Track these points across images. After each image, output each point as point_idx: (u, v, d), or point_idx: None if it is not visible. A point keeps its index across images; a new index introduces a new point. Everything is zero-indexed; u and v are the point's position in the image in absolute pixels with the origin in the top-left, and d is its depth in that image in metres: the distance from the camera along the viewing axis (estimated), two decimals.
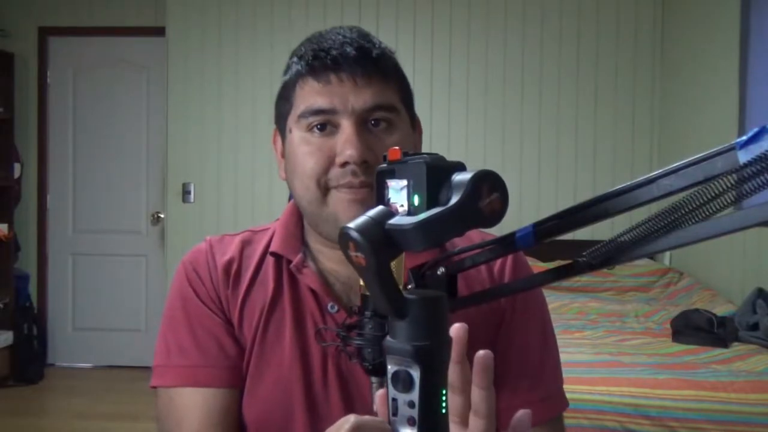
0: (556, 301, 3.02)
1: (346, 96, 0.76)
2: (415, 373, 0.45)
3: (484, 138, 4.05)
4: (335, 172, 0.76)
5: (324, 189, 0.77)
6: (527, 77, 4.03)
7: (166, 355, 0.82)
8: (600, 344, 2.37)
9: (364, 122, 0.77)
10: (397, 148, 0.51)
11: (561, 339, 0.89)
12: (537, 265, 2.92)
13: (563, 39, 4.04)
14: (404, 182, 0.48)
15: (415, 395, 0.45)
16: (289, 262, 0.83)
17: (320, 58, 0.77)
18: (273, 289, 0.83)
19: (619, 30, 4.01)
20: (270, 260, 0.85)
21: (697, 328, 2.40)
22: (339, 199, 0.76)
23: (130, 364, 4.44)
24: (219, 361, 0.81)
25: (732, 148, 0.35)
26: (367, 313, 0.64)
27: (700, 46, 3.47)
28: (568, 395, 0.86)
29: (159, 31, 4.23)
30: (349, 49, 0.77)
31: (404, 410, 0.45)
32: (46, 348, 4.50)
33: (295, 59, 0.81)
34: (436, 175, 0.46)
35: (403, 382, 0.45)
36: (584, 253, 0.45)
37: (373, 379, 0.65)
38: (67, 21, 4.54)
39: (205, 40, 4.14)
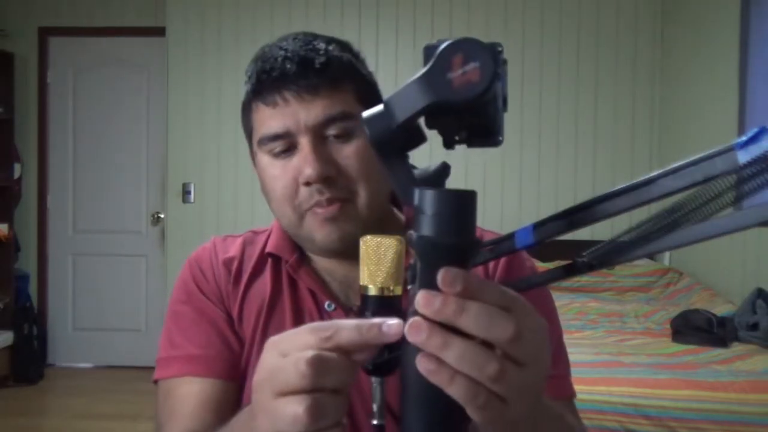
0: (556, 301, 3.00)
1: (296, 114, 0.75)
2: (418, 266, 0.44)
3: None
4: (303, 193, 0.76)
5: (299, 213, 0.77)
6: (527, 77, 4.03)
7: (168, 348, 0.84)
8: (600, 344, 2.37)
9: (321, 136, 0.76)
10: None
11: None
12: (537, 265, 2.92)
13: (563, 39, 4.04)
14: None
15: (416, 288, 0.44)
16: (286, 262, 0.84)
17: (263, 81, 0.77)
18: (271, 288, 0.84)
19: (619, 30, 4.01)
20: (269, 260, 0.86)
21: (696, 328, 2.40)
22: (313, 221, 0.77)
23: (130, 364, 4.44)
24: (219, 353, 0.82)
25: (732, 149, 0.35)
26: (367, 313, 0.63)
27: (700, 47, 3.47)
28: None
29: (159, 31, 4.23)
30: (289, 65, 0.75)
31: (412, 303, 0.44)
32: (46, 348, 4.49)
33: (246, 79, 0.80)
34: (429, 55, 0.44)
35: (412, 273, 0.45)
36: (584, 253, 0.45)
37: (373, 379, 0.64)
38: (67, 21, 4.54)
39: (205, 40, 4.14)
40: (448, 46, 0.41)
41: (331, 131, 0.76)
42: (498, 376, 0.41)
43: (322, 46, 0.78)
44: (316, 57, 0.76)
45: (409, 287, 0.46)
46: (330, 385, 0.44)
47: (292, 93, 0.75)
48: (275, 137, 0.76)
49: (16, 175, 4.44)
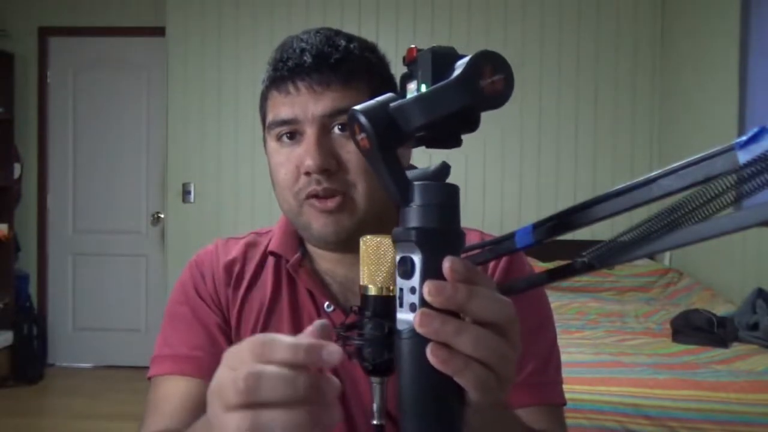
0: (556, 301, 3.02)
1: (306, 104, 0.77)
2: (417, 258, 0.44)
3: (484, 139, 4.05)
4: (303, 181, 0.78)
5: (298, 200, 0.78)
6: (527, 77, 4.03)
7: (162, 346, 0.85)
8: (600, 344, 2.37)
9: (326, 128, 0.77)
10: (413, 46, 0.50)
11: (561, 339, 0.88)
12: (537, 265, 2.92)
13: (563, 38, 4.04)
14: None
15: (416, 281, 0.44)
16: (287, 261, 0.85)
17: (279, 69, 0.78)
18: (271, 289, 0.85)
19: (619, 30, 4.01)
20: (270, 261, 0.87)
21: (696, 328, 2.40)
22: (310, 210, 0.78)
23: (130, 364, 4.44)
24: (208, 355, 0.82)
25: (732, 148, 0.35)
26: (367, 313, 0.63)
27: (700, 47, 3.47)
28: (568, 395, 0.86)
29: (159, 31, 4.23)
30: (306, 57, 0.77)
31: (408, 297, 0.45)
32: (46, 348, 4.50)
33: (266, 68, 0.82)
34: (442, 61, 0.46)
35: (405, 268, 0.45)
36: (584, 253, 0.45)
37: (373, 379, 0.64)
38: (67, 21, 4.54)
39: (205, 40, 4.14)
40: (478, 57, 0.44)
41: (337, 124, 0.77)
42: (509, 357, 0.43)
43: (342, 42, 0.79)
44: (334, 52, 0.78)
45: (400, 284, 0.46)
46: (268, 400, 0.42)
47: (304, 84, 0.77)
48: (282, 122, 0.78)
49: (16, 175, 4.44)
